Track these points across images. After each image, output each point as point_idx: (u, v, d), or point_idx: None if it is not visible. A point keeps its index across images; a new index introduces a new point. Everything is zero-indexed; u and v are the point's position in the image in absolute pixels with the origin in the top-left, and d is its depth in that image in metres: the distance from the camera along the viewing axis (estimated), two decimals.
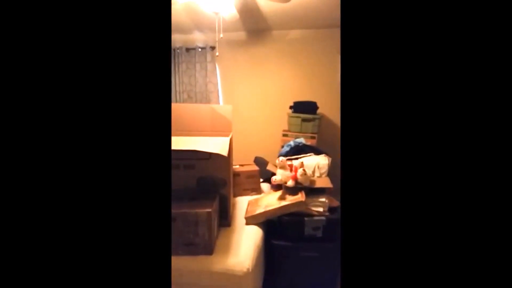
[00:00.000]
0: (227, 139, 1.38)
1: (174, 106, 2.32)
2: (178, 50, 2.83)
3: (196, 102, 2.87)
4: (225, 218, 1.41)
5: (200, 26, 2.58)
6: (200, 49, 2.79)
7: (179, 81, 2.89)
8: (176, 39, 2.85)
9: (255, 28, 2.62)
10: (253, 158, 2.47)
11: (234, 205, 1.66)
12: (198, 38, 2.80)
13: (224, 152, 1.21)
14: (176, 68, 2.87)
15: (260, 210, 1.49)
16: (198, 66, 2.82)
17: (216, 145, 1.26)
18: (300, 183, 1.53)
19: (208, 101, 2.86)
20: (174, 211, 1.12)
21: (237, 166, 1.94)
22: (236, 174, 1.81)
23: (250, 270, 1.12)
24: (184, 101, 2.88)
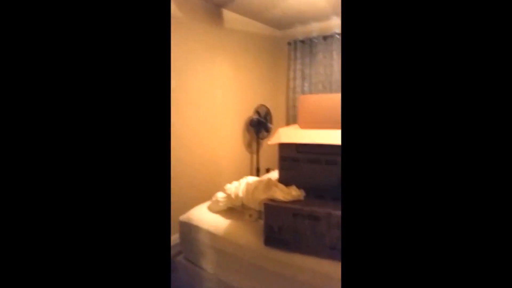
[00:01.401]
0: None
1: (312, 97, 2.26)
2: (315, 40, 2.75)
3: (331, 92, 2.72)
4: None
5: (339, 10, 2.39)
6: (337, 36, 2.61)
7: (315, 72, 2.81)
8: (313, 28, 2.77)
9: None
10: None
11: None
12: (336, 24, 2.62)
13: None
14: (312, 59, 2.81)
15: None
16: (334, 54, 2.65)
17: None
18: None
19: None
20: (317, 209, 1.05)
21: None
22: None
23: None
24: (318, 92, 2.79)
